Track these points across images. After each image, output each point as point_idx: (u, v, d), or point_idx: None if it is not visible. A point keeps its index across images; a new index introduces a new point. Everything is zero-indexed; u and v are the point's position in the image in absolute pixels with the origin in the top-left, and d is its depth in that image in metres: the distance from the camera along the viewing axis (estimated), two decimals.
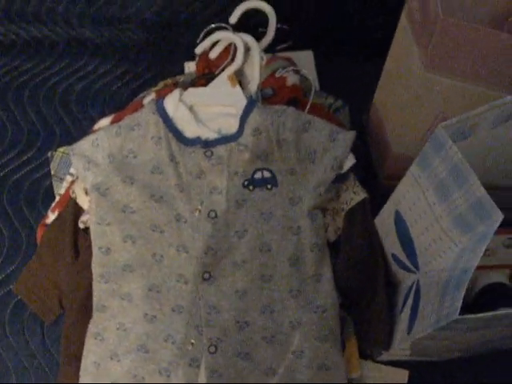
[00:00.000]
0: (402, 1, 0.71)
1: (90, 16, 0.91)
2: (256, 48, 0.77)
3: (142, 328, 0.68)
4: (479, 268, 0.66)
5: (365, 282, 0.69)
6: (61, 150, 0.84)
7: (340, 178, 0.69)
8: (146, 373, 0.67)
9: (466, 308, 0.63)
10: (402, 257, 0.66)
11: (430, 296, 0.58)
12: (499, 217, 0.50)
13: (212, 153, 0.71)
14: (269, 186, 0.71)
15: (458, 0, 0.65)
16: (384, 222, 0.70)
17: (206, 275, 0.69)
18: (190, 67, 0.85)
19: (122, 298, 0.70)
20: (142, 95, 0.81)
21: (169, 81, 0.82)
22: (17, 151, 0.85)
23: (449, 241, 0.56)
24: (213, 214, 0.70)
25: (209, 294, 0.68)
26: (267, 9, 0.81)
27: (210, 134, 0.72)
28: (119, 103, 0.86)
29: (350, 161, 0.69)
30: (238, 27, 0.83)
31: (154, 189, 0.71)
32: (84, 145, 0.73)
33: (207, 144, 0.71)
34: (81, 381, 0.68)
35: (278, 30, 0.85)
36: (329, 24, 0.89)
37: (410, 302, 0.62)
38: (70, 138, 0.83)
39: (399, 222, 0.66)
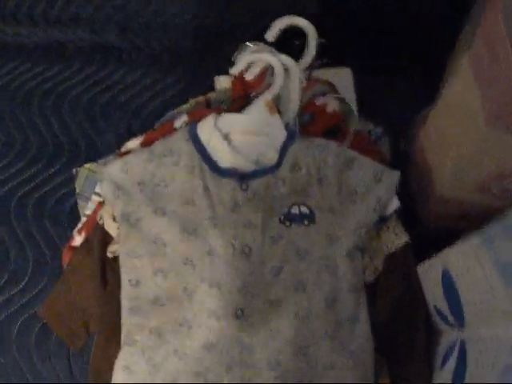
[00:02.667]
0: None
1: (116, 22, 0.86)
2: (296, 71, 0.73)
3: (173, 365, 0.67)
4: None
5: (404, 332, 0.67)
6: (87, 166, 0.80)
7: (383, 220, 0.67)
8: None
9: None
10: (446, 312, 0.64)
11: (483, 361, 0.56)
12: None
13: (248, 186, 0.68)
14: (306, 222, 0.68)
15: None
16: (428, 274, 0.67)
17: (239, 313, 0.67)
18: (221, 82, 0.81)
19: (151, 332, 0.68)
20: (171, 114, 0.77)
21: (201, 98, 0.78)
22: (41, 165, 0.82)
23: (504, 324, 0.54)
24: (247, 250, 0.68)
25: (241, 333, 0.67)
26: (308, 27, 0.76)
27: (246, 165, 0.69)
28: (146, 117, 0.83)
29: (395, 203, 0.66)
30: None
31: (187, 221, 0.68)
32: (113, 169, 0.70)
33: (243, 176, 0.68)
34: None
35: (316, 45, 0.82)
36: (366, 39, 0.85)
37: (452, 361, 0.60)
38: (95, 153, 0.81)
39: (447, 280, 0.63)
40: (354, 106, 0.81)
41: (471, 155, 0.65)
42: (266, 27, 0.79)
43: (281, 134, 0.69)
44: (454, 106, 0.72)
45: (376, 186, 0.66)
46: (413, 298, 0.67)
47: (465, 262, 0.59)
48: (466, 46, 0.66)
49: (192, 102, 0.79)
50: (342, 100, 0.76)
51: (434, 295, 0.66)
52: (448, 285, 0.62)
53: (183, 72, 0.86)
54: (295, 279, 0.67)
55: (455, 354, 0.61)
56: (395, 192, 0.66)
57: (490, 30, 0.59)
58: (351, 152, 0.68)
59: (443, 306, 0.64)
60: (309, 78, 0.77)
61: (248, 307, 0.67)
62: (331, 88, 0.75)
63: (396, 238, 0.67)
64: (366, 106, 0.82)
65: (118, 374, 0.68)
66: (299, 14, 0.81)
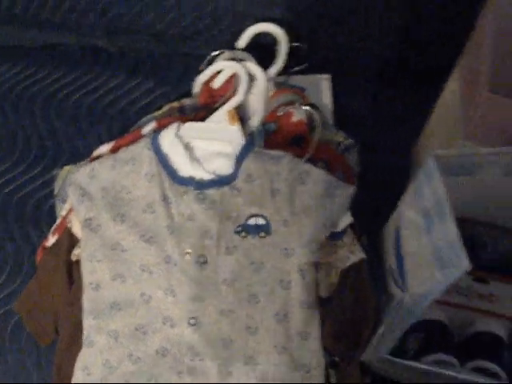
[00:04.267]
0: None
1: (102, 25, 0.88)
2: (262, 79, 0.72)
3: (126, 368, 0.68)
4: (479, 311, 0.63)
5: (350, 345, 0.66)
6: (67, 168, 0.82)
7: (336, 236, 0.65)
8: None
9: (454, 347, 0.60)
10: (396, 273, 0.64)
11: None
12: (465, 267, 0.46)
13: (205, 195, 0.68)
14: (262, 234, 0.68)
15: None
16: (387, 235, 0.67)
17: (192, 321, 0.67)
18: (196, 88, 0.81)
19: (109, 335, 0.70)
20: (143, 120, 0.78)
21: (175, 104, 0.79)
22: (24, 167, 0.85)
23: (429, 271, 0.53)
24: (202, 259, 0.68)
25: (193, 340, 0.67)
26: (278, 33, 0.75)
27: (204, 175, 0.69)
28: (127, 121, 0.84)
29: (347, 219, 0.65)
30: (250, 46, 0.79)
31: (145, 228, 0.69)
32: (81, 175, 0.72)
33: (200, 185, 0.68)
34: None
35: (293, 48, 0.80)
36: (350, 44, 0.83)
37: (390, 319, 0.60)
38: (78, 157, 0.81)
39: (398, 239, 0.63)
40: (328, 115, 0.79)
41: None
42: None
43: (239, 144, 0.68)
44: (439, 119, 0.70)
45: (328, 202, 0.65)
46: (362, 316, 0.66)
47: (407, 213, 0.59)
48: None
49: (165, 107, 0.80)
50: (313, 109, 0.75)
51: (389, 255, 0.66)
52: (398, 243, 0.62)
53: (164, 77, 0.87)
54: (248, 291, 0.67)
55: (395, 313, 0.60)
56: (348, 208, 0.64)
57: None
58: (305, 165, 0.67)
59: (394, 267, 0.64)
60: (279, 86, 0.77)
61: (201, 316, 0.68)
62: (300, 97, 0.74)
63: (351, 255, 0.66)
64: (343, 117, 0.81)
65: (77, 374, 0.70)
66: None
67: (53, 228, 0.80)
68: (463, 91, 0.63)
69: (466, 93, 0.62)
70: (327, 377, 0.68)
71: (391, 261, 0.63)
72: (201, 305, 0.68)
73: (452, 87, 0.69)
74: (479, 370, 0.59)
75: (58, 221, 0.81)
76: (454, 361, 0.58)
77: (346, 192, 0.65)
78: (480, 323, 0.62)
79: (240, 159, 0.68)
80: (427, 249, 0.52)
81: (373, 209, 0.71)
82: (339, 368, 0.67)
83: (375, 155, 0.76)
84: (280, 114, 0.71)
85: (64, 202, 0.82)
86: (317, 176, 0.66)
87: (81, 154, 0.83)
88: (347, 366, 0.66)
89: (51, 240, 0.79)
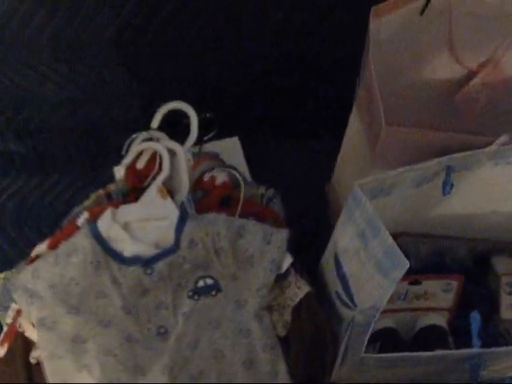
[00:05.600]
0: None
1: (12, 129, 0.90)
2: (181, 153, 0.78)
3: None
4: (419, 310, 0.72)
5: (317, 373, 0.71)
6: (1, 276, 0.83)
7: (281, 277, 0.71)
8: None
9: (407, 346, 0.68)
10: (343, 294, 0.70)
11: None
12: (405, 265, 0.55)
13: (153, 269, 0.72)
14: (213, 293, 0.72)
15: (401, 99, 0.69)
16: (327, 264, 0.74)
17: None
18: (121, 172, 0.86)
19: None
20: (75, 212, 0.81)
21: (100, 192, 0.82)
22: None
23: (374, 283, 0.61)
24: (162, 330, 0.71)
25: None
26: (188, 110, 0.83)
27: (148, 250, 0.73)
28: (54, 218, 0.86)
29: (288, 260, 0.71)
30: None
31: (101, 314, 0.71)
32: (24, 278, 0.73)
33: (147, 261, 0.72)
34: None
35: (202, 119, 0.88)
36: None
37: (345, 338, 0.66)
38: (8, 263, 0.81)
39: (337, 260, 0.70)
40: (245, 173, 0.87)
41: None
42: None
43: (175, 216, 0.73)
44: (348, 152, 0.80)
45: (267, 248, 0.71)
46: (322, 344, 0.71)
47: (343, 241, 0.66)
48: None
49: (92, 196, 0.83)
50: (231, 169, 0.82)
51: (333, 282, 0.72)
52: (339, 268, 0.69)
53: (81, 170, 0.91)
54: (213, 348, 0.71)
55: (348, 332, 0.67)
56: (285, 249, 0.71)
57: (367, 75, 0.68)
58: (240, 220, 0.73)
59: (339, 289, 0.70)
60: (198, 155, 0.84)
61: None
62: (218, 161, 0.81)
63: (298, 291, 0.72)
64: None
65: None
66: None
67: (0, 338, 0.79)
68: (365, 129, 0.73)
69: (367, 130, 0.72)
70: None
71: (337, 286, 0.70)
72: (171, 375, 0.70)
73: (356, 128, 0.80)
74: None
75: (5, 329, 0.80)
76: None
77: (282, 236, 0.71)
78: (422, 320, 0.71)
79: (179, 228, 0.72)
80: (368, 264, 0.59)
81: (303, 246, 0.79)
82: None
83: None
84: (206, 179, 0.78)
85: (6, 309, 0.82)
86: (252, 228, 0.72)
87: (10, 261, 0.83)
88: None
89: (1, 350, 0.77)
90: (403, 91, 0.72)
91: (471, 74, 0.69)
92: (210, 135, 0.88)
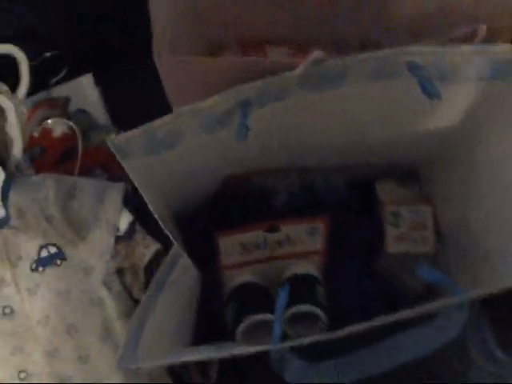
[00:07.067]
0: None
1: None
2: (10, 107, 0.67)
3: None
4: (284, 257, 0.62)
5: None
6: None
7: (123, 237, 0.63)
8: None
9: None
10: None
11: None
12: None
13: None
14: (58, 262, 0.64)
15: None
16: None
17: (22, 375, 0.64)
18: None
19: None
20: None
21: None
22: None
23: None
24: (8, 310, 0.64)
25: None
26: (15, 52, 0.71)
27: None
28: None
29: (126, 219, 0.62)
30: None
31: None
32: None
33: None
34: None
35: (48, 58, 0.76)
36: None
37: None
38: None
39: None
40: (101, 114, 0.76)
41: None
42: None
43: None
44: None
45: (101, 208, 0.62)
46: None
47: None
48: None
49: None
50: (78, 115, 0.72)
51: None
52: None
53: None
54: (65, 323, 0.64)
55: None
56: (121, 208, 0.62)
57: None
58: (71, 179, 0.63)
59: None
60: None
61: (30, 366, 0.64)
62: (55, 109, 0.70)
63: (146, 250, 0.64)
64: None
65: None
66: None
67: None
68: None
69: None
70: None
71: None
72: (24, 356, 0.64)
73: None
74: (298, 317, 0.58)
75: None
76: (271, 317, 0.57)
77: (116, 192, 0.62)
78: (287, 270, 0.61)
79: (5, 198, 0.63)
80: None
81: None
82: None
83: None
84: (36, 134, 0.67)
85: None
86: (84, 187, 0.63)
87: None
88: None
89: None
90: None
91: None
92: (59, 77, 0.77)
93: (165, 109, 0.78)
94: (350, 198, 0.64)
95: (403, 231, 0.62)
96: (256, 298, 0.60)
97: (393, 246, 0.63)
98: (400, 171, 0.65)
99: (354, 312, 0.59)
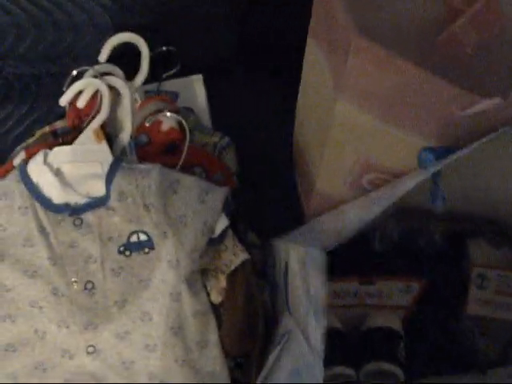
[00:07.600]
0: None
1: None
2: (126, 92, 0.70)
3: None
4: (370, 307, 0.63)
5: (247, 343, 0.66)
6: None
7: (215, 241, 0.64)
8: None
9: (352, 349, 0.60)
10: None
11: None
12: None
13: (81, 221, 0.66)
14: (146, 250, 0.66)
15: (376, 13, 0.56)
16: (278, 268, 0.67)
17: (90, 349, 0.66)
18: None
19: (7, 377, 0.68)
20: (17, 150, 0.75)
21: (46, 129, 0.75)
22: None
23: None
24: (90, 286, 0.66)
25: (94, 368, 0.66)
26: (139, 42, 0.73)
27: (78, 199, 0.66)
28: (5, 152, 0.81)
29: (223, 223, 0.64)
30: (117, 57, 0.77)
31: (27, 263, 0.67)
32: None
33: (76, 211, 0.66)
34: None
35: (163, 53, 0.79)
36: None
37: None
38: None
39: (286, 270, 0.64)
40: (205, 116, 0.78)
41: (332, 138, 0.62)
42: None
43: (107, 163, 0.66)
44: (309, 85, 0.69)
45: (201, 208, 0.63)
46: (253, 313, 0.66)
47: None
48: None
49: (38, 134, 0.77)
50: (188, 112, 0.74)
51: (279, 273, 0.66)
52: (286, 274, 0.63)
53: (36, 101, 0.83)
54: (141, 310, 0.66)
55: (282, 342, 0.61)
56: (221, 212, 0.63)
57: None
58: (176, 174, 0.65)
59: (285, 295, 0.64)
60: (149, 95, 0.75)
61: (99, 342, 0.67)
62: (167, 103, 0.72)
63: (234, 258, 0.65)
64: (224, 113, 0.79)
65: None
66: None
67: None
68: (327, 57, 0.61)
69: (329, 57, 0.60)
70: (236, 380, 0.68)
71: (279, 280, 0.63)
72: (95, 332, 0.66)
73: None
74: (376, 374, 0.58)
75: None
76: (351, 371, 0.58)
77: (218, 195, 0.64)
78: (372, 319, 0.61)
79: (110, 178, 0.65)
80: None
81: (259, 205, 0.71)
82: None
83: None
84: (148, 124, 0.69)
85: None
86: (188, 183, 0.64)
87: None
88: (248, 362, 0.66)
89: None
90: (380, 25, 0.59)
91: (458, 12, 0.56)
92: (172, 71, 0.79)
93: (259, 124, 0.81)
94: (445, 251, 0.64)
95: (488, 295, 0.62)
96: (337, 347, 0.61)
97: (473, 308, 0.63)
98: (493, 229, 0.65)
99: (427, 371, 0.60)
